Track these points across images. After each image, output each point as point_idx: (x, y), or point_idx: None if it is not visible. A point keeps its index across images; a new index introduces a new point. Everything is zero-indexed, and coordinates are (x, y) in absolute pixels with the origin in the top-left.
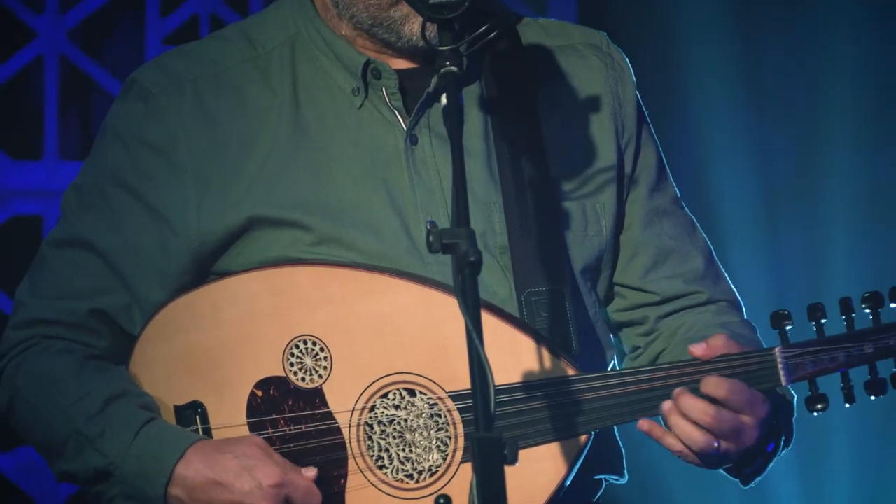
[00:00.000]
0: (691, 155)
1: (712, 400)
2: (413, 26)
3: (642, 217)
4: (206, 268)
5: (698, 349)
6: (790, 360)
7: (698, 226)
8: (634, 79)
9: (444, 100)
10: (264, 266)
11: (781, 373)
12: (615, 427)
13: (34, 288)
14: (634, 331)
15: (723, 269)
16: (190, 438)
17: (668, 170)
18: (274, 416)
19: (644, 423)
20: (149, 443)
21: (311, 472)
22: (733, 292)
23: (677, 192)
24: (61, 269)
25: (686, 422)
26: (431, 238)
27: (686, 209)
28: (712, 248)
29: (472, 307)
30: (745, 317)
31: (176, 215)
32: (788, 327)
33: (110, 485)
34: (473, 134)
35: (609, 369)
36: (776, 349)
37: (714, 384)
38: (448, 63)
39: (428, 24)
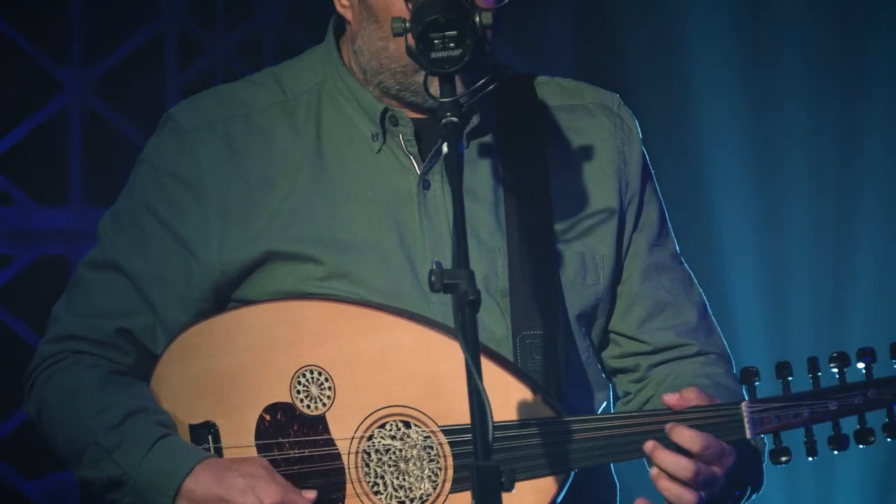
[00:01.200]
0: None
1: (686, 451)
2: (436, 88)
3: (641, 271)
4: (225, 295)
5: (671, 399)
6: (756, 414)
7: (695, 281)
8: (641, 137)
9: (445, 148)
10: (278, 298)
11: (747, 426)
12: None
13: (69, 305)
14: (627, 377)
15: (716, 324)
16: (199, 455)
17: (669, 226)
18: (280, 440)
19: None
20: (161, 457)
21: (310, 495)
22: (723, 346)
23: (677, 248)
24: (94, 290)
25: (674, 483)
26: (433, 278)
27: (684, 264)
28: (707, 303)
29: (472, 344)
30: (734, 369)
31: (199, 245)
32: (756, 383)
33: (123, 493)
34: (483, 182)
35: (601, 410)
36: (743, 403)
37: (689, 438)
38: (449, 114)
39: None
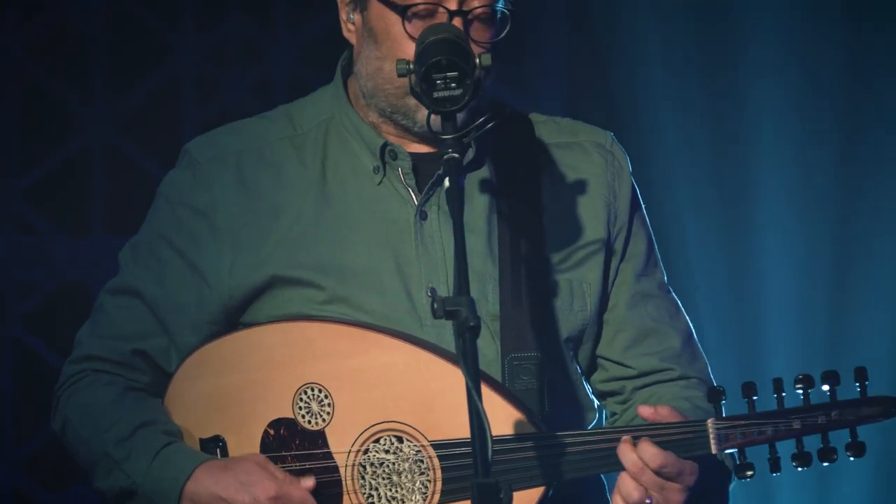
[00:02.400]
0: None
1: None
2: (424, 117)
3: (627, 299)
4: (234, 318)
5: (646, 410)
6: (721, 430)
7: (681, 309)
8: (631, 172)
9: (447, 182)
10: (282, 320)
11: (712, 442)
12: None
13: (91, 328)
14: (614, 399)
15: (700, 350)
16: (198, 459)
17: (657, 256)
18: (283, 453)
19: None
20: (165, 464)
21: (308, 482)
22: (706, 371)
23: (664, 277)
24: (113, 314)
25: (629, 480)
26: (436, 305)
27: (671, 293)
28: (692, 331)
29: (472, 367)
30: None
31: (211, 272)
32: (723, 402)
33: (134, 502)
34: (478, 214)
35: (590, 428)
36: (709, 421)
37: (650, 455)
38: (450, 150)
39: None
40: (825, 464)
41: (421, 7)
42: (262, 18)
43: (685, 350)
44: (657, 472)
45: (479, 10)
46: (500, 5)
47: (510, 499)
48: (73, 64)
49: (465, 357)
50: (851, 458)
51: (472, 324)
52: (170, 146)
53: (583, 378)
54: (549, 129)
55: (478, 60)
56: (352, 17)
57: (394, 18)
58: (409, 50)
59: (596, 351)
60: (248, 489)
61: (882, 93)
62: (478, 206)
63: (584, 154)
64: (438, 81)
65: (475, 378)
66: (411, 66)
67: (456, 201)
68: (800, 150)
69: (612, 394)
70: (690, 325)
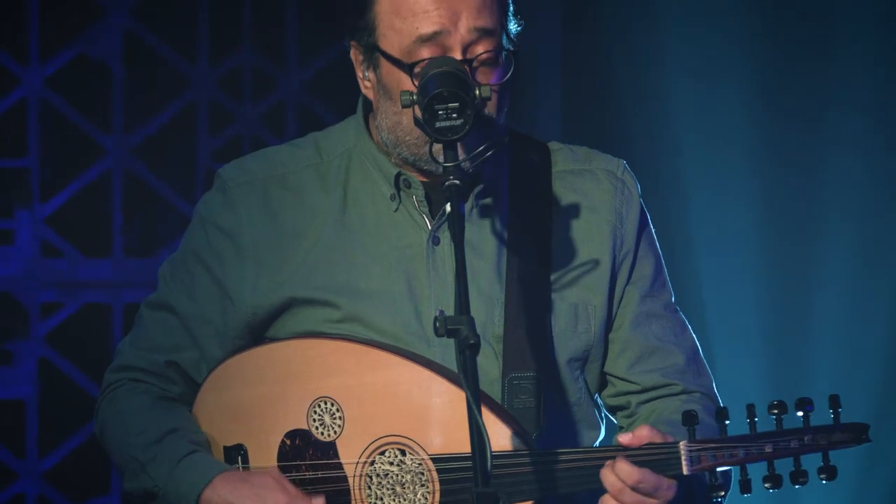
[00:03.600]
0: None
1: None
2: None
3: (632, 319)
4: (258, 334)
5: (624, 439)
6: (694, 452)
7: (688, 328)
8: (641, 199)
9: (448, 207)
10: (299, 336)
11: (684, 463)
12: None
13: (131, 340)
14: (621, 413)
15: (706, 367)
16: (218, 468)
17: (665, 278)
18: (298, 462)
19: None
20: (186, 470)
21: (319, 500)
22: (710, 386)
23: (672, 298)
24: (150, 327)
25: (611, 501)
26: (438, 324)
27: (679, 313)
28: (699, 348)
29: (472, 382)
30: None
31: (235, 290)
32: (696, 426)
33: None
34: (489, 240)
35: (596, 444)
36: (681, 443)
37: (626, 473)
38: (451, 177)
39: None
40: (797, 486)
41: (427, 62)
42: (272, 52)
43: (690, 366)
44: (634, 489)
45: (484, 56)
46: (505, 42)
47: None
48: (93, 94)
49: (466, 372)
50: (824, 482)
51: (472, 341)
52: (185, 172)
53: (589, 396)
54: (564, 156)
55: (478, 92)
56: (367, 74)
57: (403, 75)
58: None
59: (604, 368)
60: (262, 500)
61: (837, 122)
62: (488, 231)
63: (595, 181)
64: (440, 112)
65: (475, 392)
66: (414, 98)
67: (457, 225)
68: (768, 176)
69: (619, 408)
70: (697, 343)
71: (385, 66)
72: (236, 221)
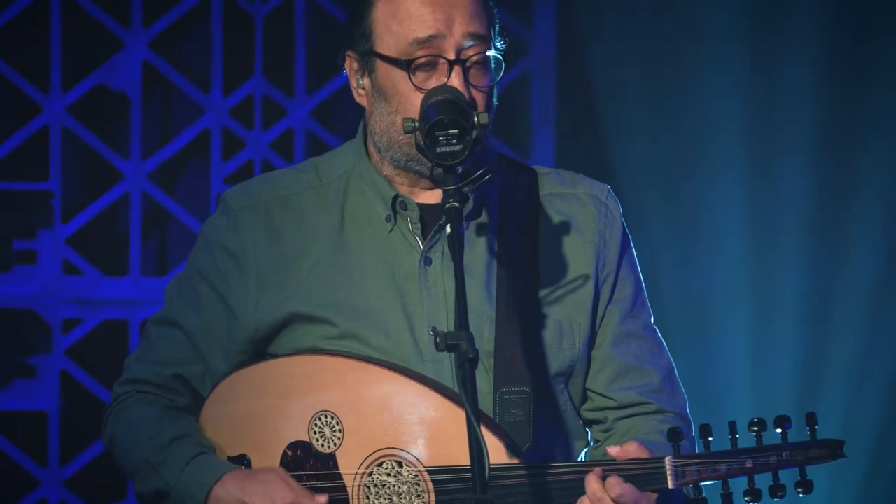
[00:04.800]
0: None
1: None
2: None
3: (612, 338)
4: (260, 349)
5: (614, 450)
6: (678, 468)
7: (665, 349)
8: (623, 223)
9: (448, 228)
10: (300, 352)
11: (669, 477)
12: None
13: (138, 355)
14: (598, 427)
15: (681, 387)
16: (227, 467)
17: (644, 299)
18: (299, 473)
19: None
20: (196, 470)
21: (321, 499)
22: (684, 407)
23: (651, 319)
24: (157, 342)
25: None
26: (438, 339)
27: (657, 333)
28: (674, 369)
29: (471, 395)
30: (692, 428)
31: (240, 307)
32: (682, 442)
33: (167, 502)
34: (479, 260)
35: (580, 458)
36: (666, 458)
37: (610, 485)
38: (451, 200)
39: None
40: (775, 500)
41: (423, 59)
42: (281, 82)
43: (665, 386)
44: (616, 501)
45: (475, 58)
46: (493, 52)
47: None
48: (112, 122)
49: (465, 385)
50: (801, 495)
51: (471, 356)
52: (199, 195)
53: (575, 409)
54: (552, 179)
55: (476, 119)
56: (361, 82)
57: (400, 74)
58: (416, 101)
59: (585, 384)
60: (269, 495)
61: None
62: (479, 251)
63: (580, 204)
64: (441, 138)
65: (474, 404)
66: (416, 124)
67: (457, 246)
68: (755, 186)
69: (596, 422)
70: (673, 364)
71: (381, 68)
72: (240, 243)
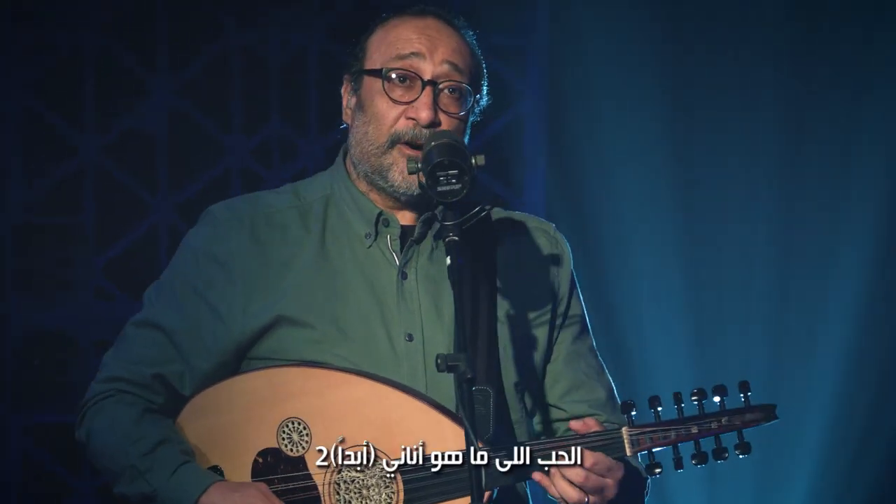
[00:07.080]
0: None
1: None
2: (396, 175)
3: (565, 356)
4: (243, 352)
5: (576, 424)
6: (634, 436)
7: (605, 369)
8: (570, 255)
9: (448, 260)
10: (277, 356)
11: (627, 446)
12: (526, 483)
13: (116, 354)
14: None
15: (619, 404)
16: (212, 478)
17: (588, 325)
18: (271, 477)
19: (536, 475)
20: (182, 478)
21: None
22: (625, 421)
23: (594, 343)
24: (136, 342)
25: (564, 482)
26: (439, 361)
27: (598, 356)
28: (614, 387)
29: (469, 410)
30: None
31: (226, 312)
32: (633, 413)
33: None
34: (445, 274)
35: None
36: (623, 428)
37: (585, 456)
38: (451, 234)
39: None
40: (719, 461)
41: (400, 72)
42: (296, 124)
43: (609, 402)
44: (591, 470)
45: (449, 83)
46: (465, 85)
47: None
48: (141, 161)
49: (464, 403)
50: (740, 456)
51: (469, 376)
52: None
53: (528, 417)
54: (505, 214)
55: (473, 161)
56: (350, 102)
57: (378, 87)
58: (390, 113)
59: (539, 395)
60: None
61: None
62: (445, 267)
63: (534, 236)
64: (441, 178)
65: (471, 420)
66: (419, 165)
67: (457, 275)
68: (680, 191)
69: (548, 433)
70: (612, 383)
71: (365, 83)
72: (227, 251)
